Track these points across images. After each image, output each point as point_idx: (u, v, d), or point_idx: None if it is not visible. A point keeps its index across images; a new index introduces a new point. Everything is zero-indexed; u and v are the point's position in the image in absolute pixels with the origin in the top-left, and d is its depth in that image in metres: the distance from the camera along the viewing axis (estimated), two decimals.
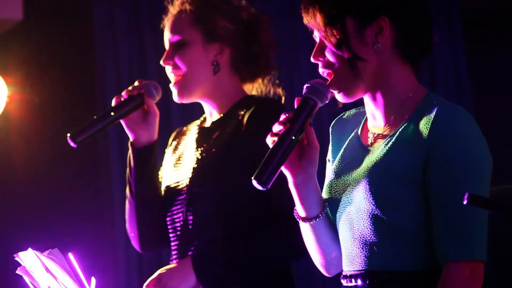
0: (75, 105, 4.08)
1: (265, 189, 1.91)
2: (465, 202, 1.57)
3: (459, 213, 1.90)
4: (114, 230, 4.18)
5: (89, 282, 1.81)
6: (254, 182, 1.91)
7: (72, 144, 2.63)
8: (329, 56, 2.00)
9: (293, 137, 1.94)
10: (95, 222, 4.25)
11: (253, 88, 2.86)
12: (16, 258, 1.96)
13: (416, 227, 1.94)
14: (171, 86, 2.80)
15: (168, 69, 2.81)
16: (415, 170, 1.93)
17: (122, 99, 2.75)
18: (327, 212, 2.06)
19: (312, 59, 2.03)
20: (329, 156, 2.17)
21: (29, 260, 1.91)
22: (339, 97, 2.02)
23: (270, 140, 1.95)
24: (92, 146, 4.19)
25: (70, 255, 1.82)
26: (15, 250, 1.99)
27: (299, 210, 2.05)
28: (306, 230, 2.08)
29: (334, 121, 2.17)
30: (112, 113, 2.70)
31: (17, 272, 1.98)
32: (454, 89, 4.82)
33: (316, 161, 2.00)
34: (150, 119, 2.78)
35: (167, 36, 2.81)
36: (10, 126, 4.01)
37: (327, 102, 2.01)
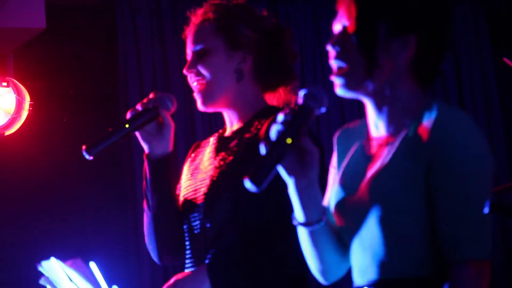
0: (98, 113, 4.09)
1: (257, 190, 1.90)
2: (486, 211, 1.59)
3: (463, 215, 1.90)
4: (138, 238, 4.18)
5: None
6: (247, 183, 1.89)
7: (87, 156, 2.64)
8: (348, 50, 1.99)
9: (287, 141, 1.93)
10: (120, 231, 4.26)
11: (275, 98, 2.86)
12: (40, 268, 1.95)
13: (422, 232, 1.93)
14: (195, 95, 2.81)
15: (191, 78, 2.82)
16: (418, 174, 1.93)
17: (136, 112, 2.76)
18: (328, 219, 2.05)
19: (328, 46, 2.01)
20: (334, 163, 2.16)
21: (52, 269, 1.91)
22: (339, 89, 2.01)
23: (263, 147, 1.94)
24: (116, 155, 4.20)
25: (92, 264, 1.80)
26: (38, 259, 1.99)
27: (299, 215, 2.04)
28: (304, 236, 2.07)
29: (339, 132, 2.17)
30: (127, 126, 2.72)
31: (41, 282, 1.98)
32: (480, 93, 4.80)
33: (316, 166, 1.98)
34: (165, 131, 2.78)
35: (189, 46, 2.82)
36: (33, 134, 4.02)
37: (324, 111, 2.00)
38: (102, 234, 4.18)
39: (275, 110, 2.78)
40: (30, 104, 3.77)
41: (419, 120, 1.97)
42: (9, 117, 3.78)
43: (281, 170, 1.97)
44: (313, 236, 2.05)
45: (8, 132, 3.81)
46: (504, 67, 4.78)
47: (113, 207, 4.27)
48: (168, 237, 2.83)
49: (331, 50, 2.01)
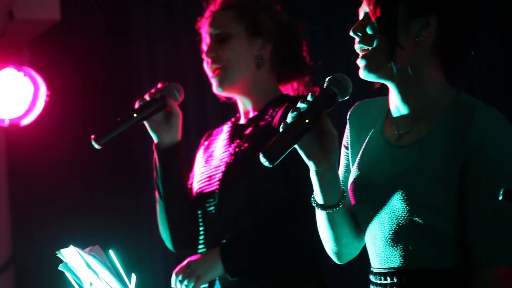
0: (112, 103, 4.12)
1: (270, 165, 1.90)
2: (500, 198, 1.59)
3: (498, 218, 1.91)
4: (152, 228, 4.22)
5: (129, 279, 1.85)
6: (261, 157, 1.90)
7: (96, 145, 2.68)
8: (370, 33, 2.01)
9: (307, 120, 1.94)
10: (134, 220, 4.29)
11: (288, 90, 2.88)
12: (58, 255, 1.99)
13: (449, 227, 1.95)
14: (212, 77, 2.83)
15: (208, 63, 2.84)
16: (452, 172, 1.94)
17: (145, 101, 2.79)
18: (346, 202, 2.07)
19: (351, 32, 2.04)
20: (345, 142, 2.17)
21: (71, 256, 1.94)
22: (362, 72, 2.03)
23: (282, 126, 1.96)
24: (130, 143, 4.23)
25: (111, 251, 1.85)
26: (56, 247, 2.03)
27: (318, 197, 2.06)
28: (321, 218, 2.09)
29: (352, 109, 2.18)
30: (135, 115, 2.75)
31: (59, 268, 2.01)
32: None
33: (336, 149, 2.01)
34: (173, 120, 2.81)
35: (207, 31, 2.84)
36: (49, 123, 4.06)
37: (347, 97, 2.02)
38: (117, 222, 4.21)
39: (289, 98, 2.82)
40: (46, 94, 3.80)
41: (452, 116, 1.98)
42: (26, 107, 3.81)
43: (302, 154, 1.99)
44: (330, 218, 2.07)
45: (25, 122, 3.83)
46: None
47: (127, 194, 4.31)
48: (181, 225, 2.86)
49: (354, 36, 2.03)
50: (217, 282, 2.74)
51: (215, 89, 2.83)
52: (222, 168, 2.78)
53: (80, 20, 4.26)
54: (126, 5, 4.29)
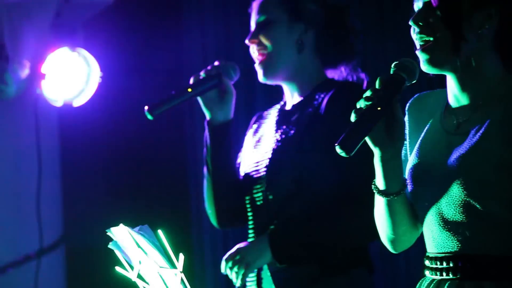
0: (164, 85, 4.15)
1: (347, 155, 1.92)
2: None
3: None
4: (199, 208, 4.25)
5: (177, 259, 1.87)
6: (337, 148, 1.91)
7: (149, 117, 2.73)
8: (433, 24, 2.00)
9: (379, 108, 1.95)
10: (181, 201, 4.32)
11: (335, 75, 2.88)
12: (109, 233, 2.02)
13: (507, 213, 1.95)
14: (256, 66, 2.85)
15: (253, 49, 2.86)
16: (510, 159, 1.94)
17: (200, 78, 2.83)
18: (406, 190, 2.08)
19: (411, 22, 2.03)
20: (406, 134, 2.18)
21: (121, 235, 1.97)
22: (424, 65, 2.03)
23: (353, 114, 1.97)
24: (178, 123, 4.26)
25: (160, 231, 1.88)
26: (106, 226, 2.06)
27: (380, 183, 2.06)
28: (381, 204, 2.10)
29: (411, 101, 2.18)
30: (189, 90, 2.79)
31: (109, 246, 2.04)
32: None
33: (403, 136, 2.02)
34: (227, 98, 2.85)
35: (253, 17, 2.86)
36: (102, 105, 4.10)
37: (415, 81, 2.02)
38: (164, 201, 4.25)
39: (334, 83, 2.82)
40: (99, 75, 3.83)
41: (509, 102, 1.98)
42: (79, 88, 3.84)
43: (368, 140, 2.00)
44: (390, 205, 2.08)
45: (78, 103, 3.87)
46: None
47: (175, 174, 4.35)
48: (227, 201, 2.90)
49: (414, 26, 2.02)
50: (265, 267, 2.77)
51: (260, 78, 2.85)
52: (269, 154, 2.79)
53: (133, 1, 4.29)
54: None
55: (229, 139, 2.89)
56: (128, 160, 4.30)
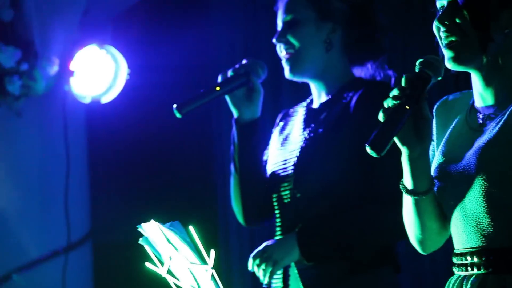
0: (191, 82, 4.17)
1: (378, 155, 1.91)
2: None
3: None
4: (226, 205, 4.25)
5: (208, 255, 1.87)
6: (368, 149, 1.91)
7: (177, 115, 2.74)
8: (459, 24, 1.99)
9: (407, 107, 1.94)
10: (208, 199, 4.33)
11: (362, 72, 2.88)
12: (139, 229, 2.02)
13: None
14: (283, 62, 2.85)
15: (280, 47, 2.86)
16: None
17: (228, 76, 2.83)
18: (434, 190, 2.07)
19: (437, 22, 2.03)
20: (433, 135, 2.17)
21: (152, 231, 1.98)
22: (449, 62, 2.02)
23: (381, 114, 1.96)
24: (205, 121, 4.27)
25: (191, 227, 1.88)
26: (134, 223, 2.07)
27: (408, 182, 2.06)
28: (409, 204, 2.09)
29: (438, 103, 2.18)
30: (218, 89, 2.79)
31: (140, 242, 2.05)
32: None
33: (431, 134, 2.02)
34: (255, 97, 2.85)
35: (280, 16, 2.86)
36: (129, 101, 4.12)
37: (440, 78, 2.01)
38: (191, 198, 4.26)
39: (362, 82, 2.81)
40: (127, 72, 3.85)
41: None
42: (107, 85, 3.86)
43: (396, 139, 1.99)
44: (418, 205, 2.07)
45: (105, 100, 3.89)
46: None
47: (202, 171, 4.36)
48: (254, 199, 2.91)
49: (440, 26, 2.01)
50: (292, 265, 2.77)
51: (287, 74, 2.85)
52: (297, 153, 2.80)
53: None
54: None
55: (257, 138, 2.90)
56: (155, 157, 4.32)
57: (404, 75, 1.99)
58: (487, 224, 1.98)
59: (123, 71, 3.84)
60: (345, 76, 2.84)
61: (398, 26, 4.35)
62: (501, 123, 1.99)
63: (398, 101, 1.94)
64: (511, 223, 1.96)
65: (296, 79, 2.89)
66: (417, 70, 2.00)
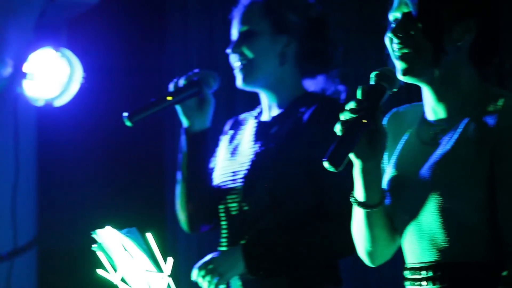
0: (145, 87, 4.15)
1: (336, 170, 1.91)
2: None
3: None
4: (175, 213, 4.23)
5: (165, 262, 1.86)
6: (326, 164, 1.90)
7: (128, 123, 2.72)
8: (413, 36, 2.01)
9: (363, 121, 1.94)
10: (158, 205, 4.31)
11: (313, 85, 2.89)
12: (93, 235, 2.00)
13: (483, 220, 1.96)
14: (236, 72, 2.85)
15: (234, 58, 2.86)
16: (483, 161, 1.95)
17: (180, 86, 2.83)
18: (385, 202, 2.08)
19: (390, 33, 2.04)
20: None
21: (106, 237, 1.96)
22: (402, 74, 2.03)
23: (338, 127, 1.96)
24: (158, 128, 4.25)
25: (149, 234, 1.87)
26: (83, 229, 2.04)
27: (359, 195, 2.06)
28: (359, 216, 2.10)
29: (389, 115, 2.19)
30: (169, 98, 2.79)
31: (93, 248, 2.03)
32: None
33: (384, 147, 2.02)
34: (205, 107, 2.85)
35: (236, 26, 2.87)
36: (82, 106, 4.09)
37: (396, 90, 2.02)
38: (141, 204, 4.24)
39: (315, 98, 2.82)
40: (82, 76, 3.81)
41: (481, 107, 1.99)
42: (61, 88, 3.81)
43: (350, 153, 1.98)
44: (369, 218, 2.08)
45: (59, 103, 3.84)
46: None
47: (153, 177, 4.33)
48: (199, 207, 2.90)
49: (393, 38, 2.02)
50: (236, 276, 2.76)
51: (239, 83, 2.86)
52: (247, 165, 2.80)
53: (117, 3, 4.28)
54: None
55: (206, 148, 2.90)
56: (106, 162, 4.29)
57: (360, 86, 1.99)
58: (442, 239, 2.00)
59: (78, 75, 3.79)
60: (297, 90, 2.85)
61: (350, 40, 4.40)
62: (454, 137, 2.01)
63: (355, 115, 1.95)
64: (466, 238, 1.98)
65: (248, 88, 2.89)
66: (372, 82, 2.00)
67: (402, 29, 2.02)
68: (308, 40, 2.84)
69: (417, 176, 2.03)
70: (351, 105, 1.96)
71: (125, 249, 1.92)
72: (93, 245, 2.04)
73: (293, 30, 2.83)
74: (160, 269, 1.87)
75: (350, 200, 2.08)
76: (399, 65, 2.03)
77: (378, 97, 1.98)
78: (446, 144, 2.01)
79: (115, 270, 1.98)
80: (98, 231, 1.99)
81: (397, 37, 2.02)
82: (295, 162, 2.72)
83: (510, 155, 1.93)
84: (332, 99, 2.83)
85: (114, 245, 1.95)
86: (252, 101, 3.72)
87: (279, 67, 2.83)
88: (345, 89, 2.87)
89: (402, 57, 2.02)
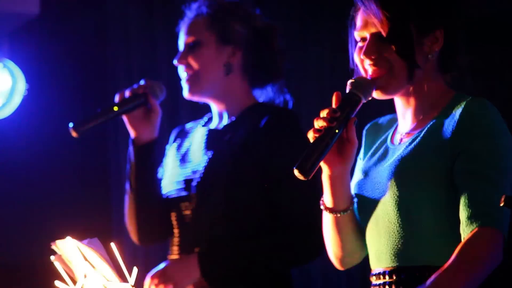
0: (89, 98, 4.13)
1: (306, 178, 1.92)
2: (501, 204, 1.63)
3: (484, 193, 1.93)
4: (121, 223, 4.21)
5: (130, 272, 1.85)
6: (296, 172, 1.91)
7: (73, 134, 2.71)
8: (385, 56, 2.03)
9: (337, 130, 1.95)
10: (103, 215, 4.29)
11: (262, 95, 2.92)
12: (53, 246, 1.99)
13: (439, 222, 1.99)
14: (182, 82, 2.86)
15: (181, 69, 2.87)
16: (442, 163, 1.98)
17: (126, 96, 2.82)
18: (354, 208, 2.10)
19: (362, 56, 2.05)
20: (361, 155, 2.22)
21: (67, 248, 1.95)
22: (379, 94, 2.06)
23: (311, 135, 1.97)
24: (102, 138, 4.23)
25: (112, 244, 1.86)
26: (37, 242, 2.02)
27: (328, 201, 2.08)
28: (329, 222, 2.12)
29: (369, 124, 2.23)
30: (115, 108, 2.78)
31: (51, 259, 2.01)
32: None
33: (353, 157, 2.03)
34: (153, 117, 2.85)
35: (182, 38, 2.88)
36: (27, 118, 4.04)
37: (369, 99, 2.04)
38: (86, 215, 4.20)
39: (266, 108, 2.84)
40: (25, 88, 3.76)
41: (445, 113, 2.03)
42: (3, 100, 3.76)
43: None
44: (338, 223, 2.10)
45: (1, 116, 3.79)
46: None
47: (98, 188, 4.31)
48: (149, 218, 2.89)
49: (365, 58, 2.04)
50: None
51: (185, 94, 2.86)
52: (201, 173, 2.80)
53: (59, 14, 4.25)
54: (104, 1, 4.28)
55: (154, 158, 2.90)
56: (50, 174, 4.25)
57: (335, 94, 2.01)
58: (399, 243, 2.02)
59: (21, 87, 3.74)
60: (246, 99, 2.87)
61: (296, 50, 4.44)
62: (418, 139, 2.04)
63: (329, 123, 1.96)
64: (424, 242, 2.01)
65: (194, 99, 2.90)
66: (347, 91, 2.02)
67: (375, 51, 2.04)
68: (254, 50, 2.86)
69: (378, 178, 2.06)
70: (325, 113, 1.97)
71: (86, 260, 1.90)
72: (51, 256, 2.01)
73: (239, 40, 2.85)
74: (124, 279, 1.86)
75: (320, 205, 2.10)
76: (374, 84, 2.05)
77: (352, 106, 1.99)
78: (408, 145, 2.05)
79: (75, 282, 1.96)
80: (57, 242, 1.97)
81: (371, 59, 2.04)
82: (250, 170, 2.73)
83: (468, 153, 1.97)
84: (282, 109, 2.86)
85: (74, 256, 1.93)
86: (197, 112, 3.73)
87: (224, 78, 2.84)
88: (292, 99, 2.90)
89: (376, 78, 2.04)
